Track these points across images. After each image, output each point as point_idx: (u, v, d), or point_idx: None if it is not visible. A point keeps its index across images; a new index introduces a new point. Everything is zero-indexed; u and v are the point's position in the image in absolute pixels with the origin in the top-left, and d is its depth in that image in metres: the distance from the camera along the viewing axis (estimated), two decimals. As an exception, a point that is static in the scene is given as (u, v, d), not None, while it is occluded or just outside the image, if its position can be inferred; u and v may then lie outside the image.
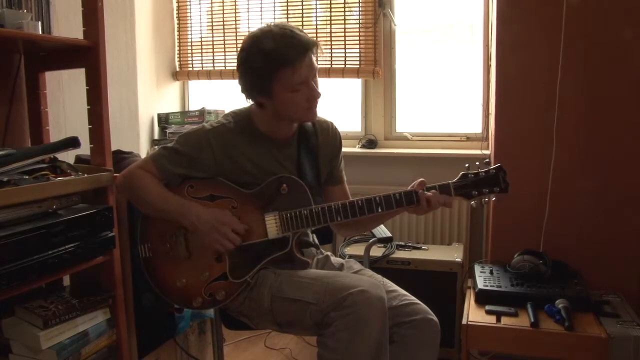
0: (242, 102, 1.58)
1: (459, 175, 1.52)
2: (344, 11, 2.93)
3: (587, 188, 2.15)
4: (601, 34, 2.09)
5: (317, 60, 1.49)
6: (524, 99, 2.21)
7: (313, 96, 1.49)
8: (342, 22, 2.94)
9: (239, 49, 1.51)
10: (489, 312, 1.91)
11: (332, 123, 1.69)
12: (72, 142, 1.61)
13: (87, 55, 1.64)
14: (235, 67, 1.53)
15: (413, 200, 1.49)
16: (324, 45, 2.94)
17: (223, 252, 1.52)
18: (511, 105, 2.23)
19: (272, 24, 1.49)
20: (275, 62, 1.42)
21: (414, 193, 1.49)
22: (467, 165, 1.54)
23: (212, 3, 3.17)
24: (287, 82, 1.44)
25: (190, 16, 3.21)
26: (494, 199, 1.53)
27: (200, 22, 3.19)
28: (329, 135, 1.67)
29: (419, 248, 2.47)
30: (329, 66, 2.94)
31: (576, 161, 2.17)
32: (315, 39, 1.50)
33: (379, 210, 1.50)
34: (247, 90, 1.52)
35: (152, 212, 1.56)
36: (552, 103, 2.13)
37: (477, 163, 1.54)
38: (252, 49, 1.46)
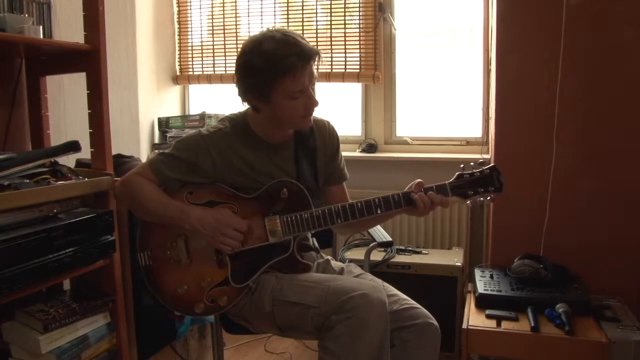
0: (242, 106, 1.58)
1: (455, 176, 1.53)
2: (344, 16, 2.94)
3: (587, 192, 2.15)
4: (601, 35, 2.09)
5: (317, 70, 1.49)
6: (524, 102, 2.20)
7: (311, 104, 1.50)
8: (343, 26, 2.94)
9: (239, 51, 1.50)
10: (489, 317, 1.91)
11: (328, 122, 1.68)
12: (72, 146, 1.62)
13: (88, 59, 1.64)
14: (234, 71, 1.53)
15: (411, 202, 1.50)
16: (324, 49, 2.94)
17: (228, 252, 1.51)
18: (511, 108, 2.23)
19: (274, 29, 1.48)
20: (277, 69, 1.41)
21: (412, 194, 1.50)
22: (462, 165, 1.55)
23: (212, 7, 3.18)
24: (287, 90, 1.44)
25: (191, 20, 3.21)
26: (489, 198, 1.54)
27: (201, 26, 3.20)
28: (327, 135, 1.67)
29: (419, 252, 2.47)
30: (329, 70, 2.94)
31: (576, 165, 2.16)
32: (316, 47, 1.49)
33: (378, 212, 1.51)
34: (244, 94, 1.51)
35: (152, 219, 1.55)
36: (552, 106, 2.13)
37: (472, 163, 1.55)
38: (254, 53, 1.44)
